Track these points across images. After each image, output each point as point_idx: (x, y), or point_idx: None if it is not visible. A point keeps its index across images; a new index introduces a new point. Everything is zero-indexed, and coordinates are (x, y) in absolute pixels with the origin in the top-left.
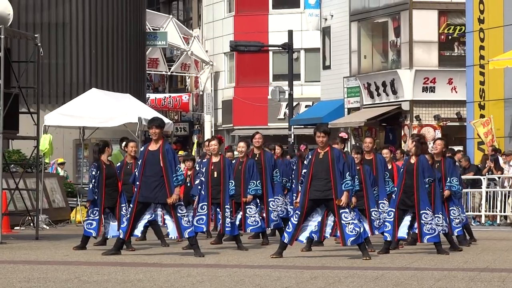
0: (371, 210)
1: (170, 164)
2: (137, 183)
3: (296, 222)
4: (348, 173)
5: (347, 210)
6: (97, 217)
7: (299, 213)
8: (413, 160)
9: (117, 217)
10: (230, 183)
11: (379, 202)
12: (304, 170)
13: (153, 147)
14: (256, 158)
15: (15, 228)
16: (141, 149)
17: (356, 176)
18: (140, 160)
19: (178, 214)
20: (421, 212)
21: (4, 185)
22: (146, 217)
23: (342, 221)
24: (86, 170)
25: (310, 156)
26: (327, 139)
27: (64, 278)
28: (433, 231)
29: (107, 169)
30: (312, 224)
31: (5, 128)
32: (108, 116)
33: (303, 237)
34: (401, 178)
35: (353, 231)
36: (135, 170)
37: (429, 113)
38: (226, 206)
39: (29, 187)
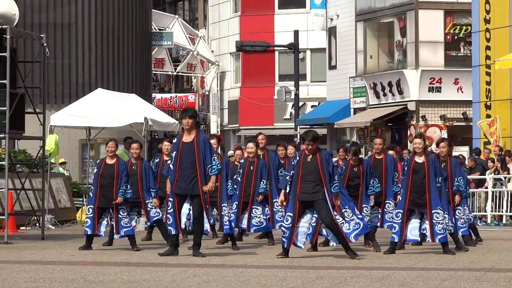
0: (363, 205)
1: (206, 154)
2: (173, 175)
3: (290, 225)
4: (336, 176)
5: (336, 212)
6: (91, 215)
7: (291, 215)
8: (420, 159)
9: (115, 218)
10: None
11: (386, 201)
12: (292, 172)
13: (187, 138)
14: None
15: (21, 228)
16: (174, 141)
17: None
18: (175, 152)
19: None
20: (433, 211)
21: (10, 185)
22: (186, 206)
23: (337, 221)
24: (92, 170)
25: (298, 157)
26: (315, 146)
27: (70, 278)
28: (444, 231)
29: (105, 168)
30: (304, 225)
31: (11, 128)
32: (114, 116)
33: (300, 242)
34: (407, 177)
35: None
36: (168, 162)
37: (435, 113)
38: (223, 205)
39: (35, 187)
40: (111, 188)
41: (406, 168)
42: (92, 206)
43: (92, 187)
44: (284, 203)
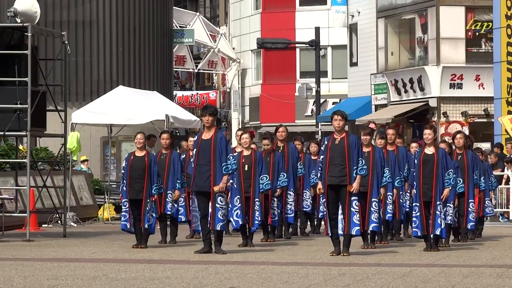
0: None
1: (221, 152)
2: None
3: (323, 213)
4: (361, 159)
5: (357, 197)
6: (127, 208)
7: (324, 200)
8: (430, 151)
9: (142, 212)
10: (265, 177)
11: (400, 193)
12: (322, 156)
13: (206, 135)
14: (279, 151)
15: (43, 225)
16: (195, 138)
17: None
18: (195, 150)
19: (217, 205)
20: (437, 203)
21: (32, 182)
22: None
23: (352, 209)
24: (114, 168)
25: (326, 142)
26: (344, 123)
27: (92, 275)
28: (441, 224)
29: (134, 161)
30: (339, 217)
31: (32, 125)
32: (135, 114)
33: (340, 229)
34: (418, 169)
35: (360, 221)
36: (191, 160)
37: (457, 110)
38: (256, 200)
39: (56, 184)
40: (141, 180)
41: (416, 161)
42: (127, 199)
43: (124, 181)
44: (322, 191)
